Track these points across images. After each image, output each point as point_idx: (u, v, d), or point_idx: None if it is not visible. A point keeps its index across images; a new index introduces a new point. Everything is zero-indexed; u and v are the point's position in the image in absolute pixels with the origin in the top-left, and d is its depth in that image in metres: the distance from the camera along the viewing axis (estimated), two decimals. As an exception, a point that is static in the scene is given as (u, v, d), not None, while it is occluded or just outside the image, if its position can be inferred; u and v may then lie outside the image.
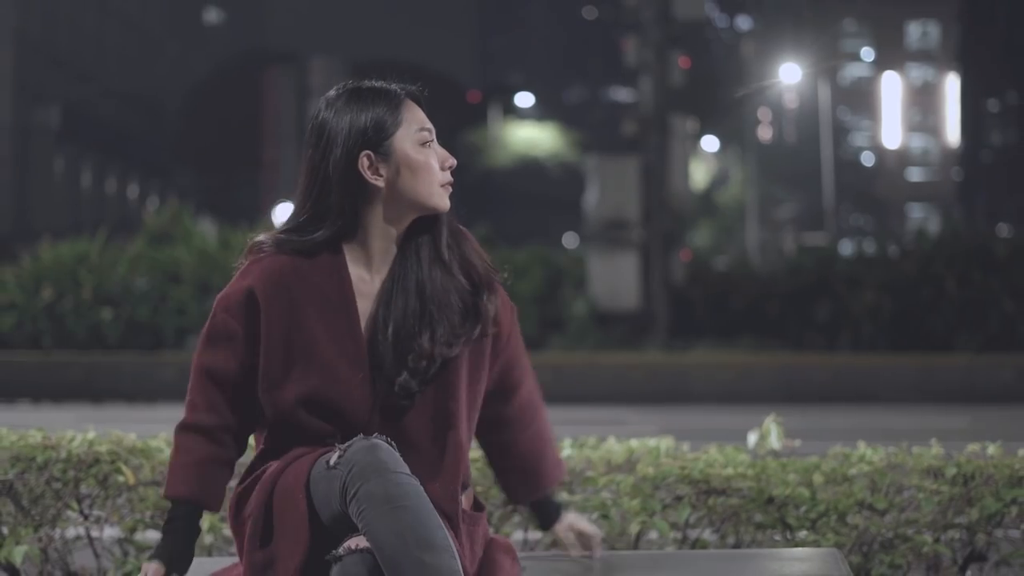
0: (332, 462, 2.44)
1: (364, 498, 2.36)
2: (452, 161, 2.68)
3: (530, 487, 2.91)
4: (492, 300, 2.69)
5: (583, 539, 2.95)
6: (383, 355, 2.60)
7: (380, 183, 2.62)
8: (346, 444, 2.47)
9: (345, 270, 2.64)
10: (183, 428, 2.68)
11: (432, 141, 2.67)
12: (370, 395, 2.60)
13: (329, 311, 2.62)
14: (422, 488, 2.42)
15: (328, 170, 2.61)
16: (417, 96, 2.70)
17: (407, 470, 2.43)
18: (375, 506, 2.35)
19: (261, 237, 2.69)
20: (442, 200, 2.65)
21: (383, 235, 2.66)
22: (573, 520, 2.96)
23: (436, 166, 2.65)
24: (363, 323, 2.64)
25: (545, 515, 2.96)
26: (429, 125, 2.67)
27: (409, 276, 2.64)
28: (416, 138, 2.64)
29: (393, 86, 2.68)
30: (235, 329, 2.63)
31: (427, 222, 2.67)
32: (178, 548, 2.66)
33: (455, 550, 2.37)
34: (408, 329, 2.60)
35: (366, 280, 2.66)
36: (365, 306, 2.64)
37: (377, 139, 2.62)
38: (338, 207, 2.61)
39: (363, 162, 2.61)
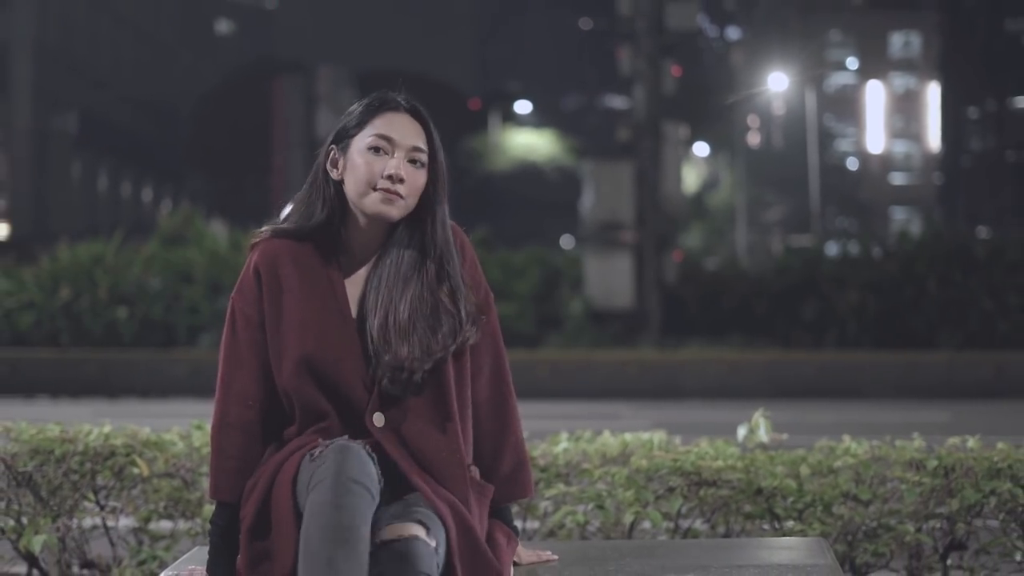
0: (315, 455, 2.46)
1: (314, 492, 2.38)
2: (392, 172, 2.62)
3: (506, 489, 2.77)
4: (473, 331, 2.65)
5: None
6: (372, 349, 2.61)
7: (335, 176, 2.68)
8: (328, 441, 2.48)
9: (335, 255, 2.67)
10: (219, 428, 2.66)
11: (384, 152, 2.65)
12: (365, 373, 2.61)
13: (318, 289, 2.64)
14: (370, 498, 2.39)
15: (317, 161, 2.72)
16: (416, 112, 2.70)
17: (370, 479, 2.40)
18: (315, 501, 2.36)
19: (261, 229, 2.73)
20: (376, 206, 2.63)
21: (362, 230, 2.68)
22: (520, 553, 2.81)
23: (374, 171, 2.63)
24: (353, 308, 2.65)
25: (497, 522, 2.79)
26: (394, 136, 2.65)
27: (383, 287, 2.64)
28: (367, 142, 2.65)
29: (391, 96, 2.70)
30: (251, 314, 2.65)
31: (417, 232, 2.67)
32: (224, 558, 2.66)
33: (366, 558, 2.33)
34: (384, 341, 2.59)
35: (354, 268, 2.68)
36: (355, 291, 2.67)
37: (344, 136, 2.68)
38: (321, 196, 2.67)
39: (328, 154, 2.69)
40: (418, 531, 2.40)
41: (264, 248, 2.69)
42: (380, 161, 2.64)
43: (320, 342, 2.60)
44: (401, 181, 2.63)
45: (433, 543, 2.40)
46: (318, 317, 2.63)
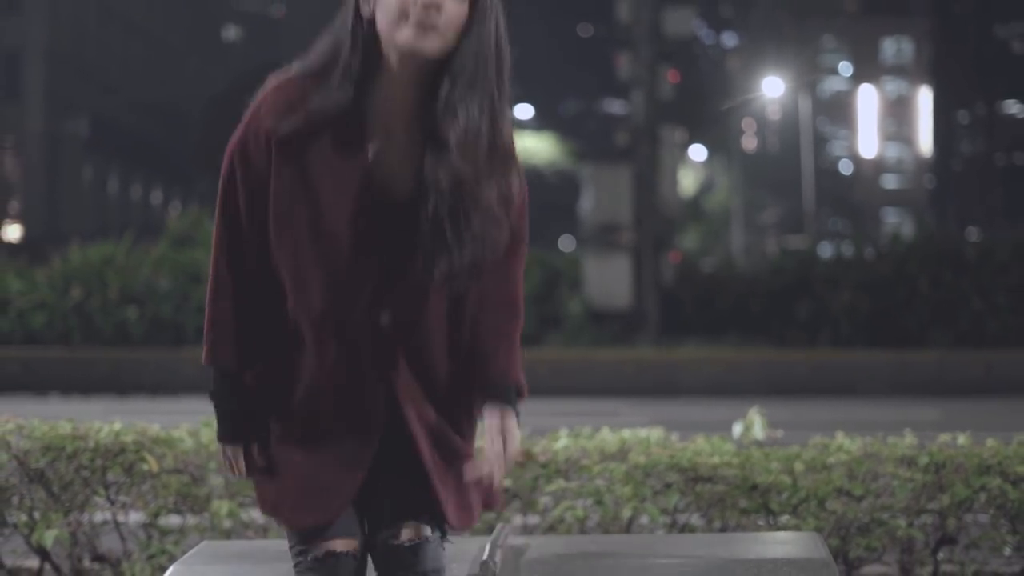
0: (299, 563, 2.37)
1: None
2: None
3: (478, 378, 2.42)
4: (518, 215, 2.42)
5: (499, 448, 2.37)
6: (405, 242, 2.28)
7: (366, 12, 2.30)
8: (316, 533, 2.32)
9: (361, 130, 2.31)
10: (214, 291, 2.40)
11: None
12: (376, 270, 2.31)
13: (340, 155, 2.30)
14: None
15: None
16: None
17: None
18: None
19: (278, 80, 2.36)
20: (408, 39, 2.24)
21: (394, 79, 2.30)
22: (505, 424, 2.38)
23: None
24: (381, 175, 2.30)
25: (488, 406, 2.42)
26: None
27: (441, 162, 2.27)
28: None
29: None
30: (253, 168, 2.34)
31: (462, 106, 2.28)
32: (239, 417, 2.40)
33: None
34: (436, 234, 2.26)
35: (382, 131, 2.32)
36: (395, 160, 2.31)
37: None
38: (351, 35, 2.31)
39: None
40: (428, 532, 2.32)
41: (280, 91, 2.33)
42: None
43: (333, 220, 2.29)
44: (437, 8, 2.25)
45: (439, 534, 2.34)
46: (337, 189, 2.29)
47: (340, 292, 2.31)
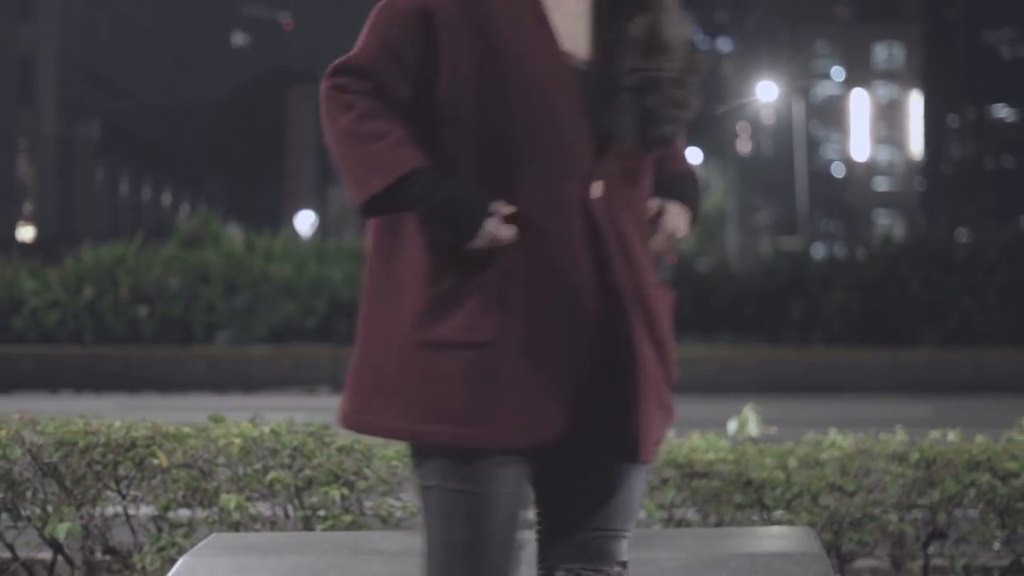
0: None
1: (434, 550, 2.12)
2: None
3: (664, 165, 2.17)
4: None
5: (666, 230, 2.19)
6: (608, 92, 2.01)
7: None
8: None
9: None
10: (361, 119, 2.01)
11: None
12: (587, 133, 2.01)
13: (523, 26, 2.01)
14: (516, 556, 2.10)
15: None
16: None
17: (512, 546, 2.08)
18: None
19: None
20: None
21: None
22: (677, 214, 2.17)
23: None
24: (572, 44, 2.04)
25: (671, 191, 2.18)
26: None
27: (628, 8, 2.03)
28: None
29: None
30: (404, 48, 2.03)
31: None
32: (464, 188, 2.00)
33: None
34: (657, 65, 2.03)
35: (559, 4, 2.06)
36: (570, 28, 2.05)
37: None
38: None
39: None
40: (619, 570, 2.19)
41: None
42: None
43: (533, 99, 1.98)
44: None
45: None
46: (525, 46, 2.00)
47: (545, 163, 2.00)
